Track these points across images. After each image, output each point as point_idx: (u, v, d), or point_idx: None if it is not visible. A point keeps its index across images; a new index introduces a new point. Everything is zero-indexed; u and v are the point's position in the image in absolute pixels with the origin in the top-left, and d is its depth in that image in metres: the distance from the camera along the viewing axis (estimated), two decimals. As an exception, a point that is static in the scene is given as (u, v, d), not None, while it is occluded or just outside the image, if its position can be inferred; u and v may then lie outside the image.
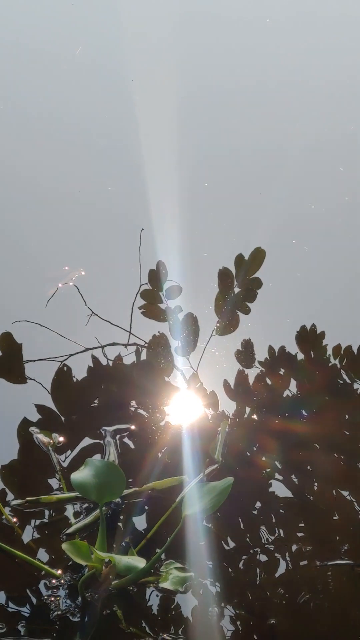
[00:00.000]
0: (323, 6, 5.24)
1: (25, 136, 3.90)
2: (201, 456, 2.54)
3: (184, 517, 2.14)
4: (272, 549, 2.34)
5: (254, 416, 2.74)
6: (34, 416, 2.65)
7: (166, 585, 2.16)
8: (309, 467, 2.59)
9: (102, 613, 2.10)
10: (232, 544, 2.35)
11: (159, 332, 2.96)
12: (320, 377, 2.90)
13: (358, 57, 4.71)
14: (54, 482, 2.46)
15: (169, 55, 4.45)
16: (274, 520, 2.43)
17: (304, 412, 2.77)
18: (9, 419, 2.64)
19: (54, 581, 2.17)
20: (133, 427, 2.65)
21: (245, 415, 2.74)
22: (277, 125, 4.08)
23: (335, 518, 2.45)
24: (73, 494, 2.39)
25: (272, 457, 2.60)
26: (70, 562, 2.21)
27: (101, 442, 2.58)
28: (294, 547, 2.35)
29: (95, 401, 2.75)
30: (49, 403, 2.70)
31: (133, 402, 2.74)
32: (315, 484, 2.55)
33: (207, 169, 3.78)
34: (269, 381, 2.86)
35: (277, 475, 2.55)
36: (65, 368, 2.82)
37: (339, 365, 2.92)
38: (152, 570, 2.19)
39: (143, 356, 2.91)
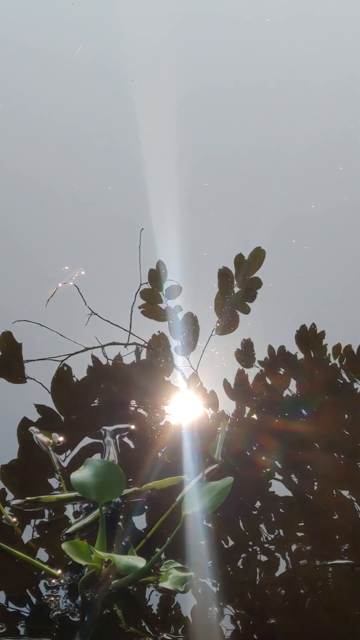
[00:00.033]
0: (323, 6, 5.24)
1: (25, 136, 3.90)
2: (201, 456, 2.54)
3: (183, 517, 2.14)
4: (272, 548, 2.34)
5: (254, 416, 2.74)
6: (34, 416, 2.65)
7: (166, 585, 2.16)
8: (308, 467, 2.59)
9: (102, 613, 2.10)
10: (232, 544, 2.35)
11: (158, 331, 2.96)
12: (320, 377, 2.90)
13: (358, 57, 4.71)
14: (53, 482, 2.46)
15: (168, 55, 4.45)
16: (273, 520, 2.43)
17: (303, 411, 2.77)
18: (9, 419, 2.64)
19: (53, 581, 2.17)
20: (133, 426, 2.65)
21: (245, 415, 2.74)
22: (277, 125, 4.08)
23: (335, 517, 2.45)
24: (73, 494, 2.38)
25: (271, 456, 2.60)
26: (70, 562, 2.20)
27: (101, 441, 2.58)
28: (294, 547, 2.35)
29: (95, 401, 2.75)
30: (49, 403, 2.70)
31: (133, 402, 2.74)
32: (315, 483, 2.55)
33: (207, 168, 3.78)
34: (268, 381, 2.86)
35: (277, 475, 2.55)
36: (65, 368, 2.82)
37: (338, 365, 2.92)
38: (152, 570, 2.19)
39: (143, 356, 2.91)
